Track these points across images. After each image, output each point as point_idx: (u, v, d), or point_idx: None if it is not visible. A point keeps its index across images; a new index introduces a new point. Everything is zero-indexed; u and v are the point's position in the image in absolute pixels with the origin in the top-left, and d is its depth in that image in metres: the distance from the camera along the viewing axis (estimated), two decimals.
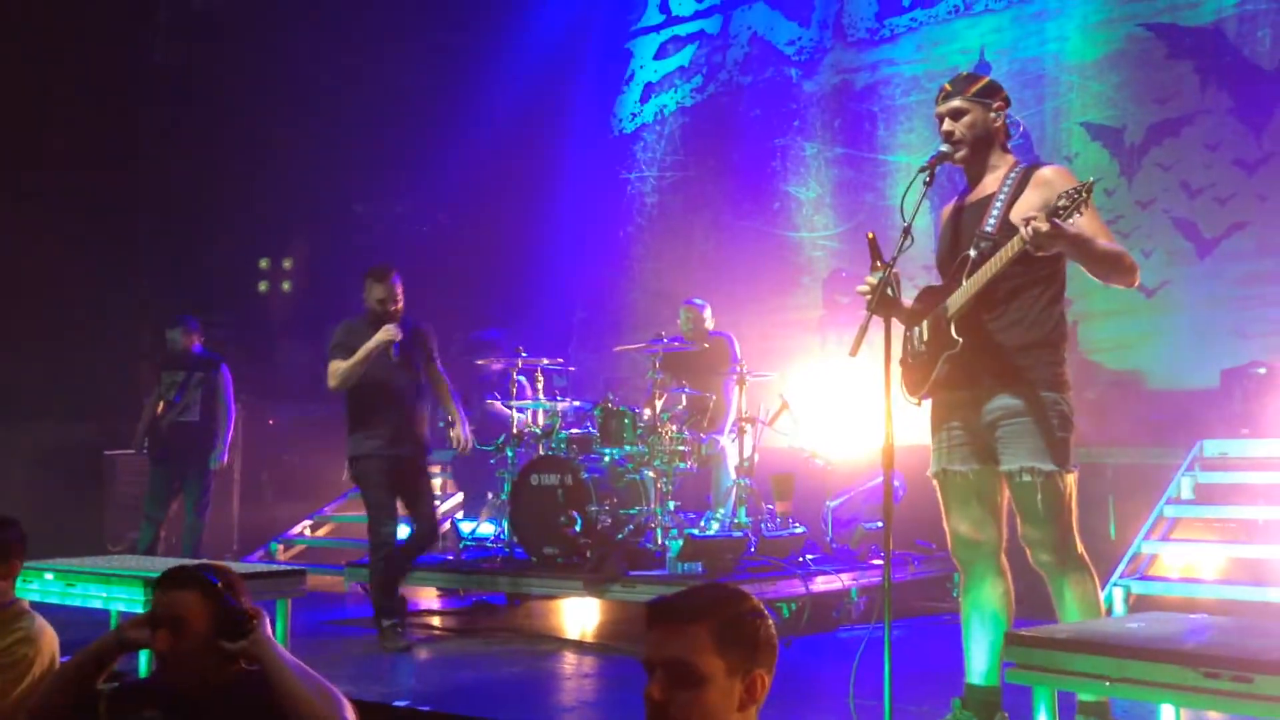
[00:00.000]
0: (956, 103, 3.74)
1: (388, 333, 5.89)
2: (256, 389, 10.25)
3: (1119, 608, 5.75)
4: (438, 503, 8.35)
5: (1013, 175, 3.65)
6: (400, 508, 6.15)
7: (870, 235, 3.62)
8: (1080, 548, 3.60)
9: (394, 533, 6.04)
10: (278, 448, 10.83)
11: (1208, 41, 8.27)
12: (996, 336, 3.58)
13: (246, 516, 9.91)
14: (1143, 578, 6.01)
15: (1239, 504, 6.42)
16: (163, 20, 11.89)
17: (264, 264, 11.55)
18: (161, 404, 8.01)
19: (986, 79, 3.80)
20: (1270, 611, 5.61)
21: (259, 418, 10.65)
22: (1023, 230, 3.30)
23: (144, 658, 3.87)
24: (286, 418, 10.97)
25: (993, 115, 3.73)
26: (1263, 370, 7.17)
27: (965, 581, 3.75)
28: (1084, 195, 3.23)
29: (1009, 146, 3.80)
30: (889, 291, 3.57)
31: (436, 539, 6.36)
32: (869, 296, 3.53)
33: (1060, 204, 3.25)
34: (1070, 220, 3.25)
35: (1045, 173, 3.60)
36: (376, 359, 5.91)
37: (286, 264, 11.56)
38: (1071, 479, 3.54)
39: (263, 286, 11.56)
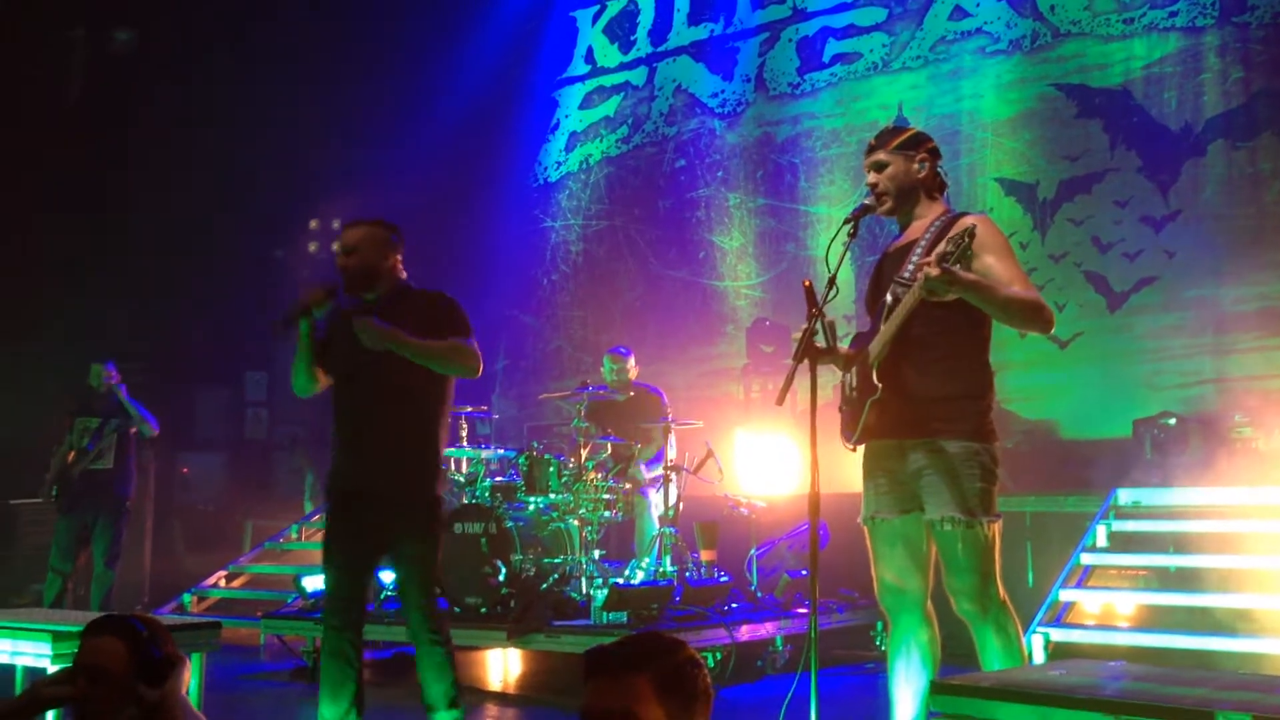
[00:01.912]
0: (879, 156, 3.78)
1: (305, 294, 4.13)
2: (170, 437, 10.00)
3: (1039, 655, 5.81)
4: None
5: (938, 223, 3.68)
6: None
7: (807, 283, 3.63)
8: (1003, 596, 3.62)
9: (336, 613, 4.07)
10: (191, 497, 10.58)
11: (1117, 102, 8.57)
12: (920, 385, 3.59)
13: (158, 568, 9.64)
14: (1061, 625, 6.09)
15: (1152, 552, 6.56)
16: (78, 62, 11.70)
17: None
18: (73, 452, 7.78)
19: (912, 131, 3.85)
20: (1181, 658, 5.72)
21: (173, 466, 10.40)
22: (918, 275, 3.34)
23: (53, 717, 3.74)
24: (201, 466, 10.72)
25: (916, 166, 3.76)
26: (1172, 421, 7.36)
27: (891, 629, 3.75)
28: (966, 240, 3.28)
29: (940, 197, 3.83)
30: (821, 339, 3.59)
31: (431, 634, 4.11)
32: (797, 345, 3.56)
33: (947, 249, 3.28)
34: (963, 266, 3.29)
35: (968, 221, 3.62)
36: (341, 350, 4.15)
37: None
38: (995, 528, 3.56)
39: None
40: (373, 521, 4.05)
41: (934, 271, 3.24)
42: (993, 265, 3.46)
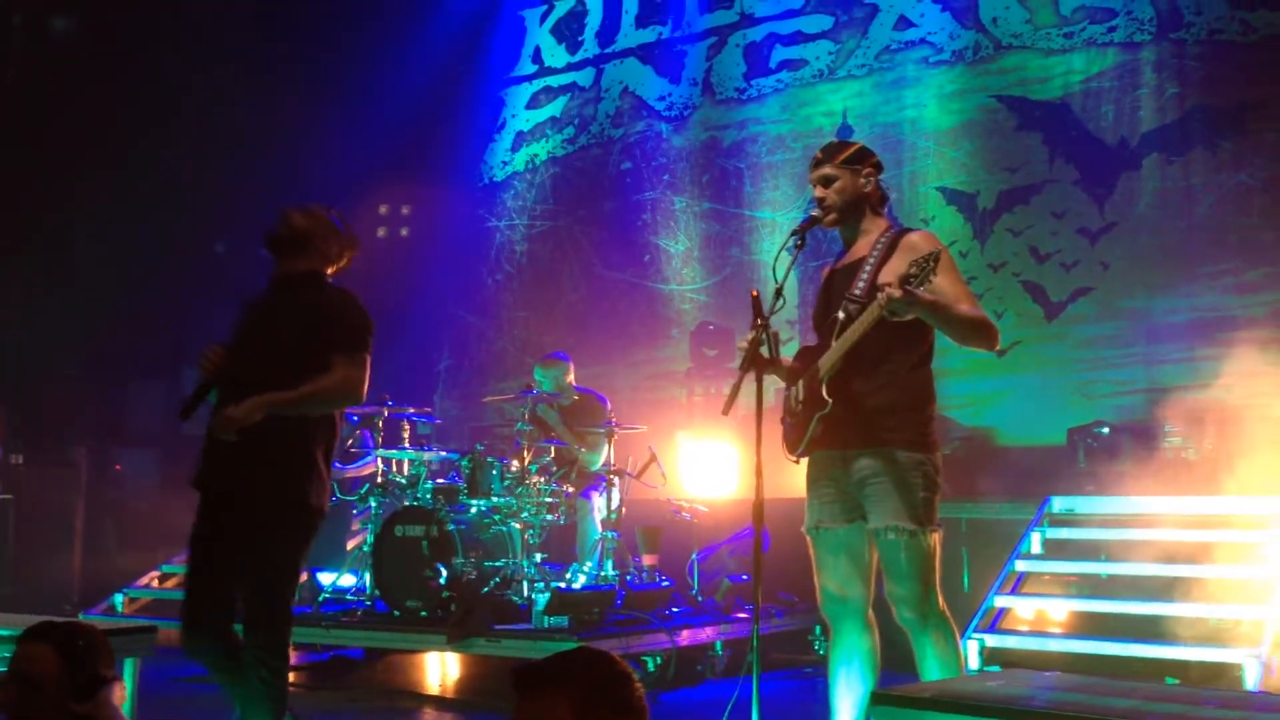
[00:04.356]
0: (826, 169, 3.84)
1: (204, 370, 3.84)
2: (104, 432, 9.82)
3: (974, 661, 5.90)
4: None
5: (883, 240, 3.75)
6: None
7: (754, 293, 3.68)
8: (942, 604, 3.69)
9: (192, 640, 3.78)
10: (124, 494, 10.38)
11: (1056, 115, 8.72)
12: (866, 398, 3.66)
13: (89, 567, 9.43)
14: (995, 631, 6.18)
15: (1085, 559, 6.68)
16: (16, 40, 11.44)
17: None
18: None
19: (857, 145, 3.91)
20: (1112, 664, 5.84)
21: (105, 462, 10.20)
22: (879, 296, 3.40)
23: None
24: (135, 463, 10.53)
25: (862, 181, 3.83)
26: (1106, 430, 7.51)
27: (833, 637, 3.80)
28: (931, 264, 3.36)
29: (883, 210, 3.90)
30: (765, 350, 3.64)
31: (267, 668, 3.82)
32: (743, 355, 3.61)
33: (911, 272, 3.36)
34: (922, 287, 3.36)
35: (913, 238, 3.72)
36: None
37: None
38: (936, 538, 3.64)
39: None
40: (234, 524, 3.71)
41: (897, 293, 3.31)
42: (941, 284, 3.53)
